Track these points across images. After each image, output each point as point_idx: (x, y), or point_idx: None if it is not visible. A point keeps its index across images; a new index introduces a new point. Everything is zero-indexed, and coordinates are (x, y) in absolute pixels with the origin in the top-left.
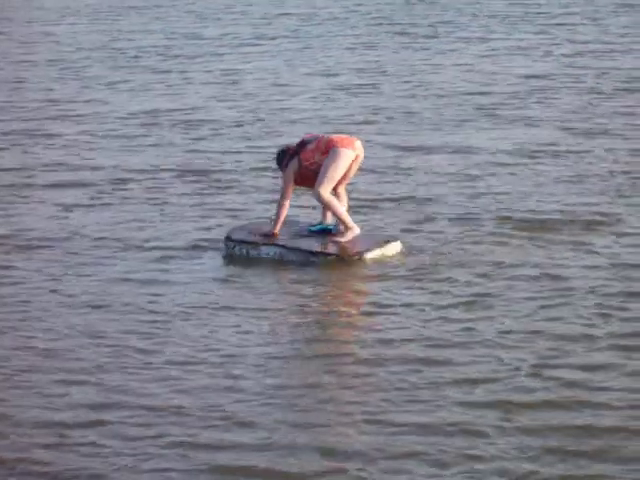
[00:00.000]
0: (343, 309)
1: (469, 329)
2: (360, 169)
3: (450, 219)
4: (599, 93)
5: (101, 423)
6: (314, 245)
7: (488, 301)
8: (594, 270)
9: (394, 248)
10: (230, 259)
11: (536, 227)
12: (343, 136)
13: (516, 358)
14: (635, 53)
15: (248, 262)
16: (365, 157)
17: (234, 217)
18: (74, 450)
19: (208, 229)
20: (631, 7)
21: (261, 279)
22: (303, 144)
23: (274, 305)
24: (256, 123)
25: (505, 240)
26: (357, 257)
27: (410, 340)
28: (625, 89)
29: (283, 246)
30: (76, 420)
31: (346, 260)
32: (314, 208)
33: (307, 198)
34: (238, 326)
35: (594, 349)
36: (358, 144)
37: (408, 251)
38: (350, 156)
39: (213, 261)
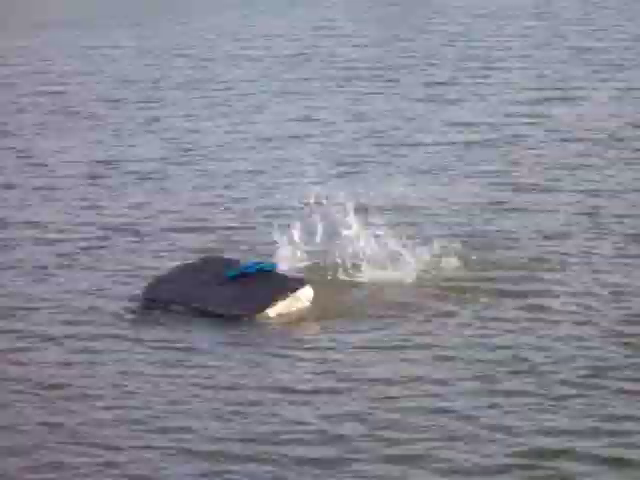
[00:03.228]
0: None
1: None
2: None
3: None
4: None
5: None
6: (212, 302)
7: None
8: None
9: (304, 295)
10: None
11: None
12: None
13: None
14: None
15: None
16: None
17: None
18: None
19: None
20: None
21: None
22: None
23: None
24: (192, 179)
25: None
26: (256, 317)
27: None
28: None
29: (186, 305)
30: None
31: (247, 319)
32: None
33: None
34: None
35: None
36: None
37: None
38: None
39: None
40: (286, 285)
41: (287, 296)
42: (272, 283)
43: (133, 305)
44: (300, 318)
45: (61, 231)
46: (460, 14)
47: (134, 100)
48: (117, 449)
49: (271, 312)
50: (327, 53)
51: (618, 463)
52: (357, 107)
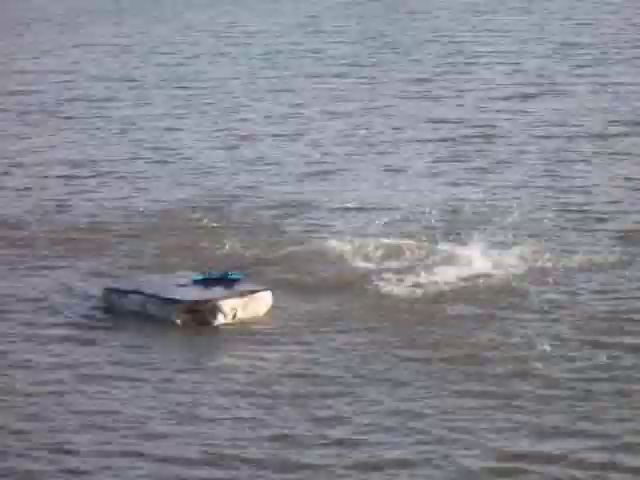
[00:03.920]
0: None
1: None
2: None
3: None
4: None
5: None
6: (172, 293)
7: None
8: None
9: (262, 299)
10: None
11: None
12: None
13: None
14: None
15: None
16: None
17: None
18: None
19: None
20: None
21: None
22: None
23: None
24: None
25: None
26: (210, 306)
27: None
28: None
29: (144, 294)
30: None
31: (200, 310)
32: None
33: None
34: None
35: None
36: None
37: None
38: None
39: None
40: (246, 287)
41: (244, 295)
42: (233, 286)
43: (97, 307)
44: (260, 322)
45: (33, 231)
46: (443, 10)
47: (111, 99)
48: (76, 454)
49: (225, 305)
50: (309, 50)
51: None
52: (338, 105)
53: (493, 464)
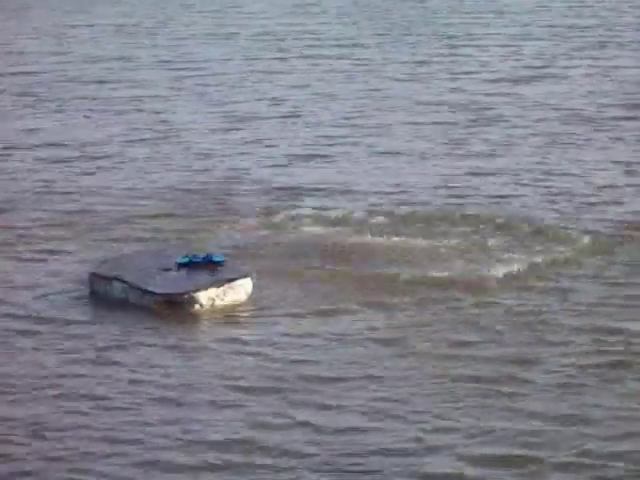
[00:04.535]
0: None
1: None
2: None
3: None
4: None
5: None
6: (150, 283)
7: None
8: None
9: (242, 287)
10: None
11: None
12: None
13: None
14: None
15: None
16: None
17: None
18: None
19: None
20: None
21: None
22: None
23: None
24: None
25: None
26: (187, 297)
27: None
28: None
29: (126, 283)
30: None
31: (176, 302)
32: None
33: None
34: None
35: None
36: None
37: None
38: None
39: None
40: (225, 275)
41: (221, 284)
42: (214, 272)
43: (83, 292)
44: (238, 310)
45: (24, 215)
46: None
47: (107, 80)
48: (57, 440)
49: (202, 296)
50: (305, 32)
51: None
52: (334, 87)
53: (468, 469)
